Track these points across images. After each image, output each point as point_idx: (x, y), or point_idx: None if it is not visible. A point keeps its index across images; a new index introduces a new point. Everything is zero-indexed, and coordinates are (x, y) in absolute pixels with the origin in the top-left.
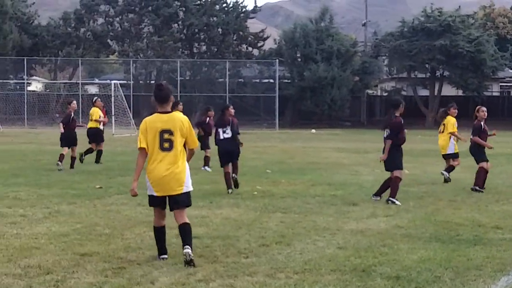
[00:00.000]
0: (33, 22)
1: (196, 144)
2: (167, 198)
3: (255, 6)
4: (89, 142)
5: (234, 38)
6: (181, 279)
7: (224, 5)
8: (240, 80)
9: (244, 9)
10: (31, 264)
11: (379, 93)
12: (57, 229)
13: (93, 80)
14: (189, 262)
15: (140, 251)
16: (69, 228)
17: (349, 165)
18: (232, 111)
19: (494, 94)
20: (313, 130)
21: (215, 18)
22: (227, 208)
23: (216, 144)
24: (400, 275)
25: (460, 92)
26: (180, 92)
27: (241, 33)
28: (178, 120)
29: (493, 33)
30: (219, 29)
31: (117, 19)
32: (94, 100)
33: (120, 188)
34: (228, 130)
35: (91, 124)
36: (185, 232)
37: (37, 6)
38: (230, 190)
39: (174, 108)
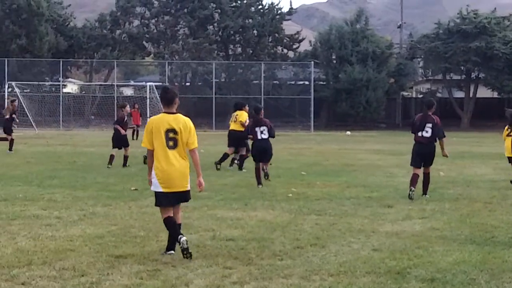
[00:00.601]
0: (69, 24)
1: (195, 145)
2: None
3: (291, 8)
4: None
5: (270, 40)
6: (215, 281)
7: (260, 7)
8: (275, 82)
9: (279, 11)
10: (66, 266)
11: (414, 95)
12: (92, 231)
13: (129, 82)
14: (186, 249)
15: (175, 253)
16: (104, 230)
17: (384, 167)
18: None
19: None
20: (348, 132)
21: (250, 20)
22: (262, 210)
23: (253, 143)
24: (435, 277)
25: (495, 94)
26: (215, 94)
27: (276, 35)
28: (183, 120)
29: None
30: (255, 31)
31: (153, 21)
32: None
33: None
34: (266, 131)
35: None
36: (180, 228)
37: (73, 8)
38: (260, 186)
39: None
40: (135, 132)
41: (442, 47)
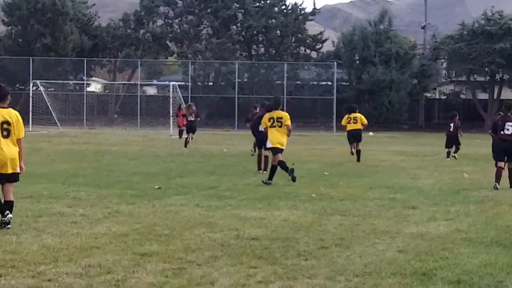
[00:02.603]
0: (93, 24)
1: (22, 135)
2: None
3: (314, 8)
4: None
5: (293, 40)
6: (240, 280)
7: (283, 7)
8: (297, 82)
9: (302, 11)
10: (92, 264)
11: (437, 96)
12: (117, 229)
13: (152, 81)
14: (7, 223)
15: (200, 252)
16: (128, 228)
17: (407, 168)
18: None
19: None
20: (371, 133)
21: (273, 20)
22: (286, 210)
23: (254, 135)
24: (462, 280)
25: None
26: (238, 94)
27: (299, 35)
28: (14, 114)
29: None
30: (278, 31)
31: (176, 20)
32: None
33: (179, 189)
34: None
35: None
36: (10, 206)
37: (97, 7)
38: (261, 171)
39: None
40: (181, 133)
41: (466, 48)
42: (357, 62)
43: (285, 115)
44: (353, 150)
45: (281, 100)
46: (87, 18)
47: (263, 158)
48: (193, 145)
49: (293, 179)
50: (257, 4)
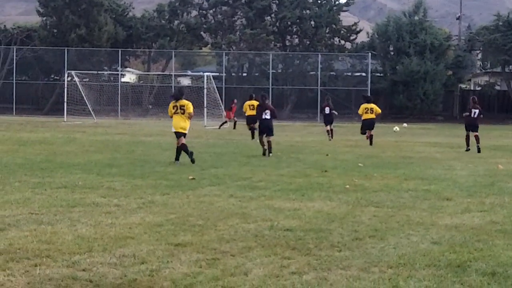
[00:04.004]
0: (128, 14)
1: None
2: None
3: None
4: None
5: (327, 31)
6: (274, 271)
7: None
8: (332, 73)
9: (337, 2)
10: (126, 254)
11: (472, 88)
12: (151, 219)
13: (186, 72)
14: None
15: (234, 243)
16: (162, 219)
17: (442, 160)
18: (267, 101)
19: None
20: (405, 124)
21: (308, 11)
22: (319, 201)
23: (259, 122)
24: (496, 271)
25: None
26: (272, 85)
27: (333, 26)
28: None
29: None
30: (312, 22)
31: (211, 11)
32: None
33: (212, 179)
34: (268, 114)
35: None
36: None
37: None
38: (265, 147)
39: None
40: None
41: (501, 39)
42: (392, 53)
43: (187, 103)
44: (368, 135)
45: (184, 90)
46: (121, 8)
47: (266, 143)
48: (228, 136)
49: (192, 161)
50: None
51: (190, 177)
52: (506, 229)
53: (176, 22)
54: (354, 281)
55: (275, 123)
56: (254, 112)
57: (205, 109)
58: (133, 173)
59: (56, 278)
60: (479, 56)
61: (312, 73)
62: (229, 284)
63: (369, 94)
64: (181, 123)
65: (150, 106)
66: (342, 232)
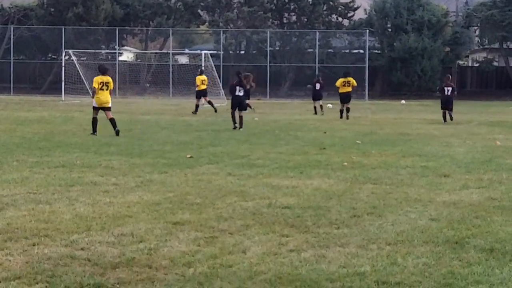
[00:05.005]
0: None
1: None
2: None
3: None
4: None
5: (324, 8)
6: (272, 248)
7: None
8: (329, 50)
9: None
10: (124, 232)
11: (470, 64)
12: (149, 198)
13: (184, 50)
14: None
15: (232, 221)
16: (160, 197)
17: (440, 137)
18: (250, 78)
19: None
20: (403, 101)
21: None
22: (318, 179)
23: (232, 97)
24: (495, 247)
25: None
26: (269, 63)
27: (331, 3)
28: None
29: None
30: None
31: None
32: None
33: (210, 157)
34: (242, 91)
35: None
36: None
37: None
38: (236, 125)
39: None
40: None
41: (499, 15)
42: (389, 30)
43: (111, 80)
44: (343, 108)
45: (108, 67)
46: None
47: (237, 116)
48: (226, 114)
49: (117, 133)
50: None
51: (188, 156)
52: (504, 205)
53: (173, 0)
54: (352, 258)
55: (272, 100)
56: (204, 87)
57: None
58: (131, 152)
59: (54, 257)
60: (477, 32)
61: (310, 50)
62: (228, 262)
63: (367, 72)
64: (107, 98)
65: (148, 85)
66: (340, 210)
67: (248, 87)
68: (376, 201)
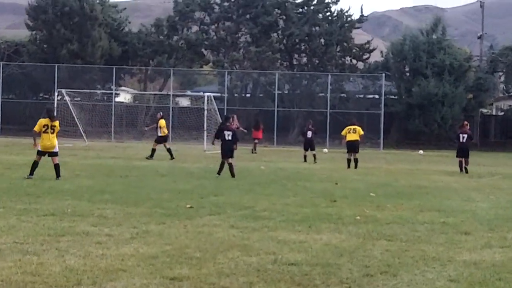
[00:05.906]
0: (124, 29)
1: None
2: None
3: (361, 16)
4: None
5: (338, 50)
6: None
7: (328, 14)
8: (342, 95)
9: (349, 19)
10: None
11: (494, 113)
12: (145, 250)
13: (185, 92)
14: None
15: (234, 277)
16: (157, 250)
17: (460, 190)
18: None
19: None
20: (421, 151)
21: (317, 28)
22: (328, 233)
23: (222, 142)
24: None
25: None
26: (277, 107)
27: (345, 44)
28: None
29: None
30: (322, 40)
31: (213, 27)
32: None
33: (212, 208)
34: (230, 136)
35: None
36: None
37: (128, 12)
38: (219, 175)
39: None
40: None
41: None
42: (407, 74)
43: (58, 124)
44: (350, 157)
45: (54, 110)
46: (117, 23)
47: (226, 164)
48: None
49: (58, 176)
50: (300, 10)
51: (188, 206)
52: None
53: (175, 38)
54: None
55: (280, 147)
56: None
57: (205, 132)
58: (127, 200)
59: None
60: (502, 78)
61: (321, 94)
62: None
63: (382, 118)
64: (53, 142)
65: (146, 128)
66: (351, 268)
67: (235, 127)
68: (391, 259)
